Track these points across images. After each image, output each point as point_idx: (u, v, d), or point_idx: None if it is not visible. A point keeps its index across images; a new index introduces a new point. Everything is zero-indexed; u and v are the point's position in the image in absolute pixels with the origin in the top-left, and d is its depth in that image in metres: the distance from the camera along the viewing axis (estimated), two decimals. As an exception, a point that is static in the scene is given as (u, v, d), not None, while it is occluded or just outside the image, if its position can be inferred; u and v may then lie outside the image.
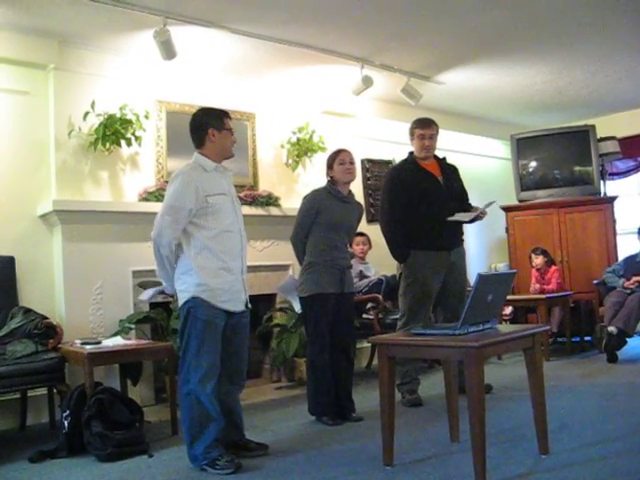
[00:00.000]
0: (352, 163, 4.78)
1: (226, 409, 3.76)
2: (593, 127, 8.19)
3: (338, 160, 4.74)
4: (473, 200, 5.33)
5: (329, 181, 4.80)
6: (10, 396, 4.84)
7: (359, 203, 4.97)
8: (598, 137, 8.20)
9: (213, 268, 3.68)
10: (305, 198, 4.80)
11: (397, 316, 5.30)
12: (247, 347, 3.97)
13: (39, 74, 5.40)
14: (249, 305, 3.93)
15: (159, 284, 5.20)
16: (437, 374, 5.90)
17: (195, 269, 3.67)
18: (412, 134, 5.18)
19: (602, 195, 8.22)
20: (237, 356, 3.86)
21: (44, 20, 5.01)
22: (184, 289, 3.71)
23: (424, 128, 5.12)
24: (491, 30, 5.78)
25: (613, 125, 8.65)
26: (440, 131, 5.30)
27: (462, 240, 5.26)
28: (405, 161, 5.26)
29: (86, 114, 5.42)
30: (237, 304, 3.80)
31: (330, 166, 4.77)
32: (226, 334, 3.75)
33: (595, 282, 7.28)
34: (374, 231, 6.16)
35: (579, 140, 8.23)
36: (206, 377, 3.62)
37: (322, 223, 4.65)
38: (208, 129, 3.80)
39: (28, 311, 4.90)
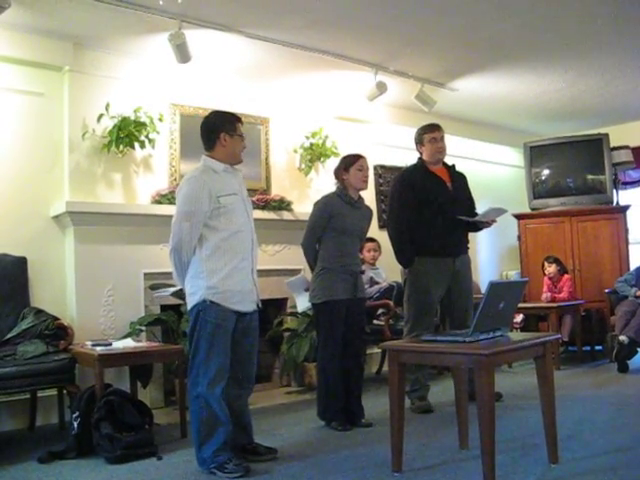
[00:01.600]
0: (368, 171, 4.79)
1: (235, 413, 3.76)
2: (606, 136, 8.15)
3: (357, 165, 4.73)
4: (484, 209, 5.30)
5: (339, 187, 4.81)
6: (20, 396, 4.85)
7: (369, 207, 4.97)
8: (611, 146, 8.16)
9: (225, 270, 3.68)
10: (317, 204, 4.80)
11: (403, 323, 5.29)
12: (257, 350, 3.97)
13: (54, 76, 5.43)
14: (260, 305, 3.94)
15: (171, 286, 5.24)
16: (447, 381, 5.89)
17: (206, 272, 3.67)
18: (421, 141, 5.17)
19: (615, 204, 8.18)
20: (247, 360, 3.86)
21: (60, 22, 5.03)
22: (194, 292, 3.71)
23: (435, 131, 5.12)
24: (505, 38, 5.77)
25: (627, 134, 8.61)
26: (453, 138, 5.32)
27: (467, 248, 5.24)
28: (414, 166, 5.25)
29: (100, 116, 5.45)
30: (248, 304, 3.80)
31: (346, 169, 4.75)
32: (235, 337, 3.75)
33: (607, 291, 7.24)
34: (385, 236, 6.14)
35: (592, 149, 8.20)
36: (215, 380, 3.62)
37: (334, 229, 4.64)
38: (220, 133, 3.81)
39: (39, 312, 4.92)
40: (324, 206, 4.72)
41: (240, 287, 3.74)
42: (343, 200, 4.72)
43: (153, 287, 5.53)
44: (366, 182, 4.78)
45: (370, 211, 4.97)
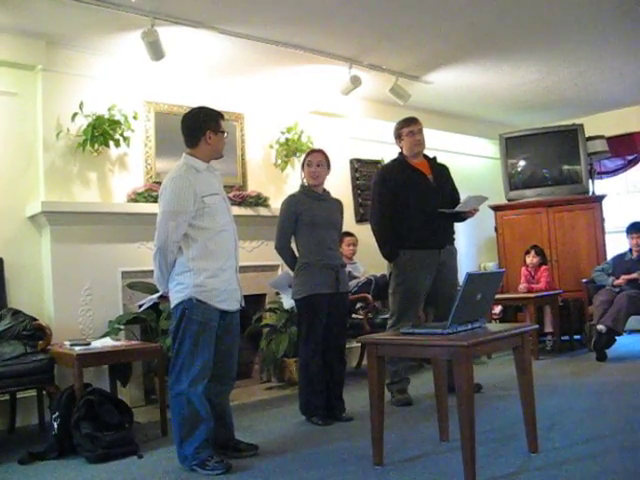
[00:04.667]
0: (319, 166, 4.76)
1: (216, 409, 3.76)
2: (581, 126, 8.22)
3: (306, 161, 4.77)
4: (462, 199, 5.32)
5: (302, 184, 4.83)
6: (-1, 398, 4.83)
7: (337, 200, 4.96)
8: (586, 136, 8.23)
9: (211, 269, 3.68)
10: (282, 204, 4.80)
11: (387, 316, 5.32)
12: (237, 347, 3.97)
13: (27, 75, 5.38)
14: (243, 304, 3.94)
15: (149, 285, 5.22)
16: (427, 373, 5.92)
17: (193, 270, 3.67)
18: (399, 135, 5.18)
19: (591, 194, 8.25)
20: (228, 356, 3.86)
21: (31, 21, 4.98)
22: (179, 289, 3.69)
23: (412, 125, 5.13)
24: (479, 30, 5.79)
25: (601, 124, 8.68)
26: (429, 131, 5.32)
27: (453, 239, 5.26)
28: (395, 160, 5.26)
29: (74, 115, 5.40)
30: (233, 303, 3.81)
31: (303, 165, 4.81)
32: (217, 334, 3.75)
33: (584, 281, 7.30)
34: (362, 230, 6.16)
35: (568, 139, 8.26)
36: (198, 378, 3.62)
37: (306, 223, 4.64)
38: (207, 130, 3.80)
39: (17, 313, 4.88)
40: (289, 205, 4.73)
41: (225, 286, 3.74)
42: (308, 195, 4.73)
43: (131, 285, 5.51)
44: (316, 179, 4.76)
45: (339, 203, 4.94)
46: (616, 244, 7.92)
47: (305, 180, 4.80)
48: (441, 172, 5.25)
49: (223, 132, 3.86)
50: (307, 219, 4.63)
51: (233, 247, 3.84)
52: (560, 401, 4.73)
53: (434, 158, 5.28)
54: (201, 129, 3.80)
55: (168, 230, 3.64)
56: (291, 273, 4.87)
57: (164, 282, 3.80)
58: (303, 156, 4.92)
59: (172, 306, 3.76)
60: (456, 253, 5.30)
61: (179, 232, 3.65)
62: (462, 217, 5.21)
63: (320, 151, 4.85)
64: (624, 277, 6.78)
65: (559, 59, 6.73)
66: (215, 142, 3.82)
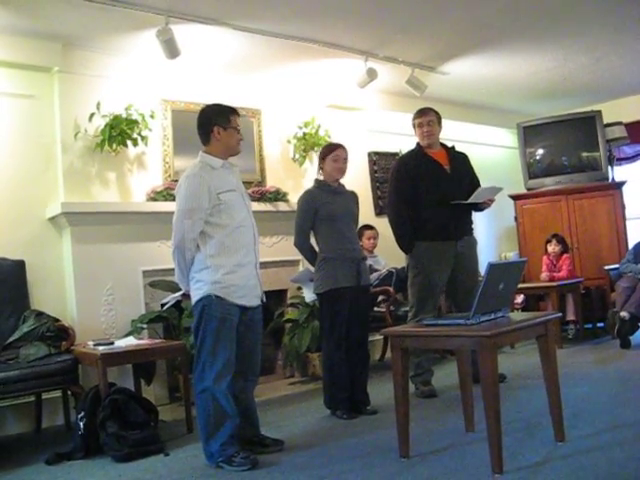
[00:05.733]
0: (346, 161, 4.77)
1: (241, 406, 3.77)
2: (599, 113, 8.13)
3: (333, 156, 4.72)
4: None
5: (317, 178, 4.81)
6: (25, 399, 4.87)
7: (352, 192, 4.93)
8: (605, 122, 8.14)
9: (229, 265, 3.69)
10: (299, 201, 4.80)
11: (408, 308, 5.30)
12: (260, 343, 3.98)
13: (44, 77, 5.41)
14: (264, 299, 3.95)
15: (170, 283, 5.24)
16: (450, 364, 5.90)
17: (211, 267, 3.68)
18: (413, 126, 5.20)
19: (610, 181, 8.17)
20: (251, 352, 3.87)
21: (47, 23, 5.01)
22: (199, 287, 3.71)
23: (421, 116, 5.14)
24: (494, 19, 5.74)
25: (620, 110, 8.60)
26: (446, 121, 5.30)
27: (471, 229, 5.23)
28: (412, 151, 5.26)
29: (92, 115, 5.43)
30: (252, 299, 3.81)
31: (323, 159, 4.76)
32: (240, 330, 3.76)
33: (606, 268, 7.23)
34: (382, 223, 6.13)
35: (586, 126, 8.17)
36: (221, 374, 3.62)
37: (324, 217, 4.64)
38: (213, 127, 3.80)
39: (40, 314, 4.91)
40: (306, 201, 4.72)
41: (244, 282, 3.75)
42: (324, 190, 4.71)
43: (152, 284, 5.53)
44: (342, 172, 4.76)
45: (355, 195, 4.93)
46: (637, 230, 7.84)
47: (326, 174, 4.75)
48: (459, 161, 5.23)
49: (234, 128, 3.83)
50: (325, 214, 4.62)
51: (252, 243, 3.83)
52: (585, 389, 4.69)
53: (452, 147, 5.26)
54: (208, 126, 3.81)
55: (184, 228, 3.66)
56: (312, 268, 4.87)
57: (185, 280, 3.82)
58: (322, 150, 4.88)
59: (192, 304, 3.78)
60: (475, 244, 5.28)
61: (195, 230, 3.67)
62: (479, 207, 5.18)
63: (344, 147, 4.83)
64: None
65: (575, 46, 6.66)
66: (225, 138, 3.81)
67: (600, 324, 7.48)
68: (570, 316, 7.21)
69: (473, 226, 5.27)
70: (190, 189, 3.69)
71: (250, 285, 3.79)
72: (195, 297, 3.74)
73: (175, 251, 3.73)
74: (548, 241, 7.52)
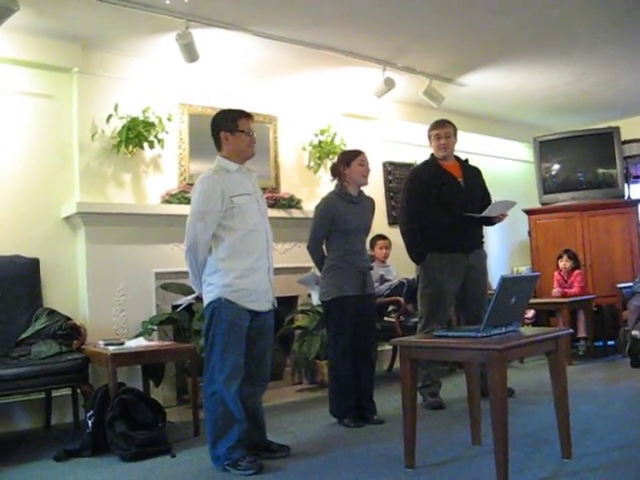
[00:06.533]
0: (368, 166, 4.78)
1: (249, 411, 3.77)
2: (617, 129, 8.12)
3: (359, 160, 4.71)
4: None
5: (338, 185, 4.80)
6: (35, 396, 4.90)
7: (370, 198, 4.92)
8: (623, 139, 8.12)
9: (240, 269, 3.69)
10: (317, 207, 4.79)
11: (417, 319, 5.30)
12: (271, 349, 3.98)
13: (63, 77, 5.45)
14: (276, 305, 3.96)
15: (182, 286, 5.26)
16: (458, 377, 5.89)
17: (222, 270, 3.69)
18: (429, 137, 5.20)
19: (626, 198, 8.14)
20: (261, 358, 3.87)
21: (68, 24, 5.05)
22: (210, 290, 3.73)
23: (438, 128, 5.14)
24: (513, 32, 5.75)
25: (638, 127, 8.57)
26: (462, 133, 5.30)
27: (482, 243, 5.23)
28: (426, 162, 5.26)
29: (109, 117, 5.47)
30: (264, 304, 3.81)
31: (347, 164, 4.72)
32: (251, 336, 3.76)
33: (619, 286, 7.20)
34: (395, 233, 6.13)
35: (603, 142, 8.15)
36: (231, 378, 3.63)
37: (339, 230, 4.64)
38: (220, 132, 3.83)
39: (52, 312, 4.94)
40: (325, 208, 4.71)
41: (256, 286, 3.75)
42: (343, 199, 4.70)
43: (164, 287, 5.55)
44: (367, 177, 4.77)
45: (372, 202, 4.92)
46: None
47: (350, 180, 4.71)
48: (473, 175, 5.23)
49: (242, 131, 3.82)
50: (341, 226, 4.62)
51: (265, 248, 3.83)
52: (594, 407, 4.67)
53: (466, 160, 5.27)
54: (217, 131, 3.85)
55: (197, 230, 3.68)
56: (318, 273, 4.88)
57: (197, 282, 3.83)
58: (344, 156, 4.82)
59: (204, 306, 3.80)
60: (486, 257, 5.27)
61: (208, 232, 3.68)
62: (491, 221, 5.18)
63: (364, 152, 4.83)
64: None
65: (595, 61, 6.65)
66: (234, 142, 3.81)
67: (611, 342, 7.44)
68: (581, 333, 7.17)
69: (484, 240, 5.27)
70: (204, 191, 3.72)
71: (262, 290, 3.79)
72: (206, 300, 3.76)
73: (187, 253, 3.76)
74: (559, 257, 7.49)
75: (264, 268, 3.81)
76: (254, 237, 3.77)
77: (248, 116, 3.90)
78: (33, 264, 5.11)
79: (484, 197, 5.24)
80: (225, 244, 3.71)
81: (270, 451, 3.88)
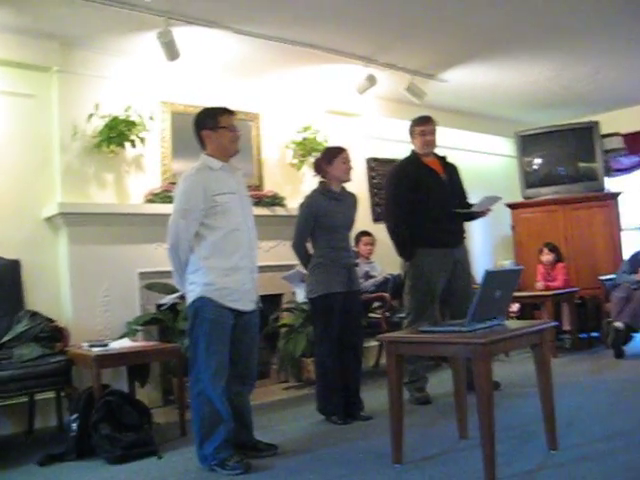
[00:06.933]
0: (350, 163, 4.78)
1: (236, 410, 3.76)
2: (597, 123, 8.18)
3: (341, 158, 4.70)
4: (478, 198, 5.30)
5: (321, 182, 4.79)
6: (17, 400, 4.84)
7: (352, 194, 4.91)
8: (602, 133, 8.18)
9: (222, 268, 3.68)
10: (301, 205, 4.78)
11: (404, 314, 5.30)
12: (257, 347, 3.96)
13: (43, 77, 5.40)
14: (260, 304, 3.94)
15: (167, 285, 5.24)
16: (444, 372, 5.89)
17: (204, 268, 3.68)
18: (412, 132, 5.20)
19: (606, 191, 8.19)
20: (248, 357, 3.86)
21: (46, 22, 5.01)
22: (192, 289, 3.71)
23: (424, 124, 5.14)
24: (494, 28, 5.77)
25: (617, 121, 8.65)
26: (444, 129, 5.31)
27: (464, 237, 5.26)
28: (407, 159, 5.27)
29: (90, 116, 5.43)
30: (247, 303, 3.79)
31: (330, 161, 4.71)
32: (236, 334, 3.75)
33: (601, 278, 7.25)
34: (379, 230, 6.14)
35: (583, 136, 8.22)
36: (216, 377, 3.62)
37: (323, 227, 4.63)
38: (202, 131, 3.81)
39: (34, 315, 4.90)
40: (309, 206, 4.70)
41: (238, 286, 3.73)
42: (327, 196, 4.69)
43: (149, 286, 5.52)
44: (350, 174, 4.76)
45: (354, 198, 4.91)
46: (632, 241, 7.86)
47: (333, 177, 4.70)
48: (451, 171, 5.28)
49: (223, 127, 3.79)
50: (325, 223, 4.62)
51: (247, 247, 3.80)
52: (579, 398, 4.70)
53: (444, 157, 5.29)
54: (198, 130, 3.84)
55: (179, 229, 3.68)
56: (303, 270, 4.87)
57: (181, 281, 3.82)
58: (327, 154, 4.80)
59: (187, 305, 3.78)
60: (468, 252, 5.30)
61: (190, 230, 3.67)
62: (473, 217, 5.22)
63: (347, 149, 4.82)
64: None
65: (574, 56, 6.69)
66: (216, 139, 3.79)
67: (595, 334, 7.49)
68: (566, 326, 7.22)
69: (466, 235, 5.29)
70: (186, 190, 3.71)
71: (244, 289, 3.77)
72: (189, 299, 3.75)
73: (170, 251, 3.74)
74: (540, 250, 7.53)
75: (247, 268, 3.79)
76: (236, 236, 3.75)
77: (230, 112, 3.88)
78: (14, 266, 5.08)
79: (463, 193, 5.29)
80: (207, 243, 3.70)
81: (257, 450, 3.86)
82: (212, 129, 3.79)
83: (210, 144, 3.81)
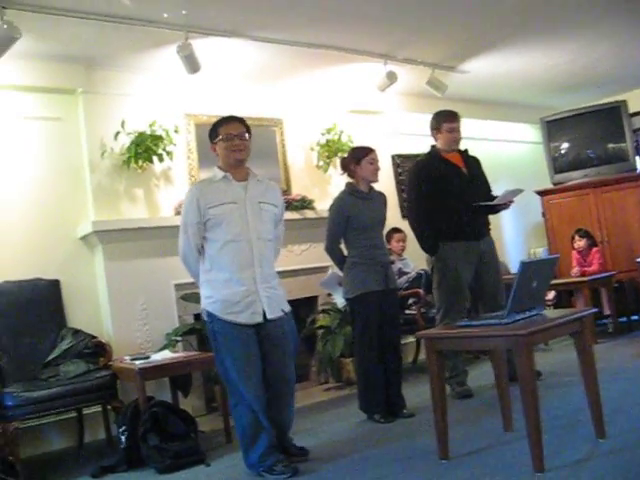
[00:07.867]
0: (378, 163, 4.78)
1: (274, 416, 3.72)
2: (624, 102, 8.08)
3: (369, 159, 4.71)
4: (505, 188, 5.26)
5: (349, 182, 4.80)
6: (67, 415, 4.93)
7: (381, 193, 4.91)
8: (630, 112, 8.07)
9: (221, 280, 3.68)
10: (331, 208, 4.79)
11: (435, 310, 5.29)
12: (290, 354, 3.84)
13: (69, 99, 5.50)
14: (285, 310, 3.84)
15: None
16: (483, 364, 5.88)
17: (205, 282, 3.75)
18: (438, 127, 5.14)
19: (638, 171, 8.09)
20: (281, 365, 3.77)
21: (68, 45, 5.09)
22: (201, 301, 3.80)
23: (453, 121, 5.11)
24: (511, 14, 5.72)
25: (645, 99, 8.51)
26: (468, 120, 5.29)
27: (489, 229, 5.23)
28: (429, 154, 5.25)
29: (117, 134, 5.50)
30: (252, 316, 3.67)
31: (358, 162, 4.71)
32: (265, 347, 3.70)
33: (638, 260, 7.15)
34: (408, 226, 6.14)
35: (611, 117, 8.12)
36: (246, 385, 3.60)
37: (355, 228, 4.64)
38: (211, 144, 3.86)
39: (77, 332, 5.00)
40: (338, 208, 4.71)
41: (238, 298, 3.65)
42: (355, 196, 4.70)
43: (185, 297, 5.57)
44: (377, 175, 4.77)
45: (383, 196, 4.91)
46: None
47: (360, 178, 4.72)
48: (474, 164, 5.25)
49: (222, 138, 3.75)
50: (357, 223, 4.63)
51: (250, 258, 3.68)
52: (623, 384, 4.64)
53: (466, 150, 5.26)
54: (211, 143, 3.87)
55: (182, 242, 3.77)
56: (339, 272, 4.89)
57: None
58: (353, 154, 4.82)
59: None
60: (494, 244, 5.26)
61: (191, 244, 3.74)
62: (496, 209, 5.21)
63: (375, 149, 4.82)
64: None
65: (596, 35, 6.58)
66: (218, 150, 3.81)
67: (634, 317, 7.40)
68: (607, 310, 7.12)
69: (490, 227, 5.26)
70: (184, 203, 3.80)
71: (248, 301, 3.66)
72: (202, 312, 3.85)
73: (183, 264, 3.86)
74: (572, 237, 7.45)
75: (249, 279, 3.67)
76: (232, 248, 3.67)
77: (229, 120, 3.83)
78: (54, 286, 5.17)
79: (485, 186, 5.27)
80: (207, 256, 3.75)
81: (288, 454, 3.80)
82: (214, 142, 3.83)
83: (218, 156, 3.85)
